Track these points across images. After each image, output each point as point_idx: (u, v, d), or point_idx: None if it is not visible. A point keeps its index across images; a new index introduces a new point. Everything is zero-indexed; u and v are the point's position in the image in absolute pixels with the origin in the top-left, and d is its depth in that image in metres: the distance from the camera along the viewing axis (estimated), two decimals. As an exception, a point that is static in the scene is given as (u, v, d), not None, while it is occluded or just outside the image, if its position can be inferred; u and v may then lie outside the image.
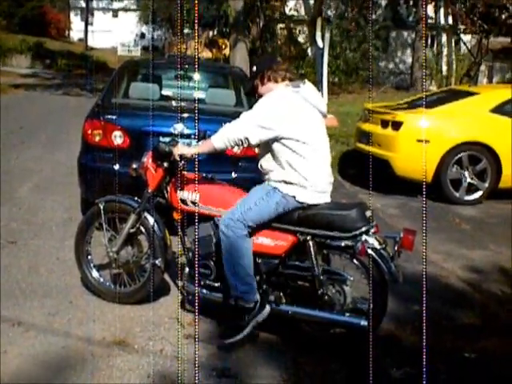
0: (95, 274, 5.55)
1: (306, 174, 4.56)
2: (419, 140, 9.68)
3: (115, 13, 66.55)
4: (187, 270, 5.05)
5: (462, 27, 28.16)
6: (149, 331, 4.94)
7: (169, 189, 5.13)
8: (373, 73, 31.82)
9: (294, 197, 4.59)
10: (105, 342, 4.72)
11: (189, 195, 4.96)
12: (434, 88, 21.95)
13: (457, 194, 9.88)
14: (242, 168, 6.93)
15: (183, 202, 4.98)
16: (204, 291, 4.96)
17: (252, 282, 4.70)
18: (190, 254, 5.02)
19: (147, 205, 5.22)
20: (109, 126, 7.12)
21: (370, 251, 4.54)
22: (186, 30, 29.32)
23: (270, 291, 4.83)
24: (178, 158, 4.84)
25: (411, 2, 31.34)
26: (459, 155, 9.87)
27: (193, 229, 4.89)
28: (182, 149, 4.84)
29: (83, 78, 34.34)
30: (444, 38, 30.80)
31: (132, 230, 5.28)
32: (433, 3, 28.19)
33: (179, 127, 5.57)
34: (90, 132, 7.21)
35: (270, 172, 4.69)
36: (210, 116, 7.11)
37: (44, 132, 15.46)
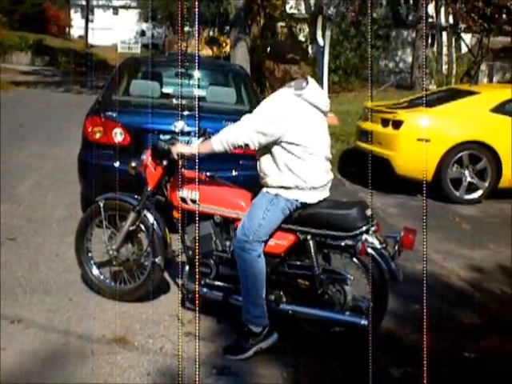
0: (95, 271, 5.55)
1: (304, 175, 4.53)
2: (419, 139, 9.68)
3: (115, 10, 66.54)
4: (187, 268, 5.05)
5: (462, 26, 28.13)
6: (149, 329, 4.94)
7: (168, 187, 5.12)
8: (373, 72, 31.82)
9: (297, 199, 4.58)
10: (105, 339, 4.72)
11: (188, 194, 4.95)
12: (434, 87, 21.91)
13: (457, 193, 9.88)
14: (243, 166, 6.93)
15: (183, 200, 4.97)
16: (204, 290, 4.95)
17: (264, 305, 4.67)
18: (190, 253, 5.01)
19: (147, 203, 5.21)
20: (109, 123, 7.11)
21: (370, 250, 4.53)
22: (186, 28, 29.33)
23: (270, 290, 4.81)
24: (177, 157, 4.82)
25: (411, 1, 31.34)
26: (459, 154, 9.86)
27: (192, 227, 4.88)
28: (180, 148, 4.80)
29: (83, 76, 34.36)
30: (444, 37, 30.78)
31: (132, 228, 5.28)
32: (433, 2, 28.16)
33: (180, 125, 5.57)
34: (90, 129, 7.20)
35: (267, 176, 4.64)
36: (210, 114, 7.12)
37: (44, 129, 15.47)
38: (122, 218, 5.36)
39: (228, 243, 4.86)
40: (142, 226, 5.29)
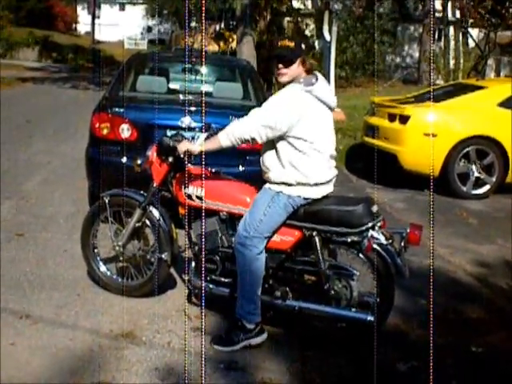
0: (102, 267, 5.56)
1: (306, 172, 4.53)
2: (427, 134, 9.66)
3: (122, 6, 66.50)
4: (193, 264, 5.07)
5: (469, 21, 28.04)
6: (156, 324, 4.96)
7: (174, 183, 5.13)
8: (380, 67, 31.76)
9: (300, 195, 4.59)
10: (112, 334, 4.74)
11: (194, 190, 4.95)
12: (441, 82, 21.86)
13: (464, 188, 9.86)
14: (250, 162, 6.93)
15: (188, 196, 4.98)
16: (210, 286, 4.96)
17: (258, 302, 4.71)
18: (196, 249, 5.03)
19: (153, 199, 5.23)
20: (116, 119, 7.13)
21: (376, 246, 4.54)
22: (192, 24, 29.29)
23: (276, 286, 4.83)
24: (183, 155, 4.81)
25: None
26: (467, 149, 9.85)
27: (198, 223, 4.91)
28: (187, 146, 4.78)
29: (90, 72, 34.39)
30: (451, 32, 30.69)
31: (138, 224, 5.29)
32: (440, -3, 28.15)
33: (187, 120, 5.57)
34: (97, 125, 7.22)
35: (270, 171, 4.64)
36: (217, 109, 7.13)
37: (51, 125, 15.49)
38: (128, 214, 5.37)
39: (233, 239, 4.87)
40: (148, 222, 5.30)
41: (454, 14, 31.24)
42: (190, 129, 5.75)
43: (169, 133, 6.38)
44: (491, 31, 25.08)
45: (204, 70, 8.63)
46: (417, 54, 33.34)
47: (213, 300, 4.97)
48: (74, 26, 62.02)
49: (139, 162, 5.30)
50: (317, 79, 4.64)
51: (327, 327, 4.89)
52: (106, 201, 5.39)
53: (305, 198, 4.60)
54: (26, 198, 8.45)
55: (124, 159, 6.90)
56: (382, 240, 4.55)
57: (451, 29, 30.86)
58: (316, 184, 4.58)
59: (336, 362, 4.51)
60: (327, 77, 17.48)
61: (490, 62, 26.64)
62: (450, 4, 29.89)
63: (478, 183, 9.93)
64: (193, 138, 5.17)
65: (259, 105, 4.75)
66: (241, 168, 7.04)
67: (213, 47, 35.27)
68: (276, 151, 4.60)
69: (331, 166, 4.73)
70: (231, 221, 4.91)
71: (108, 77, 25.12)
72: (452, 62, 26.26)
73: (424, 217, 7.64)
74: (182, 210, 5.06)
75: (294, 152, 4.53)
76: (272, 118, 4.46)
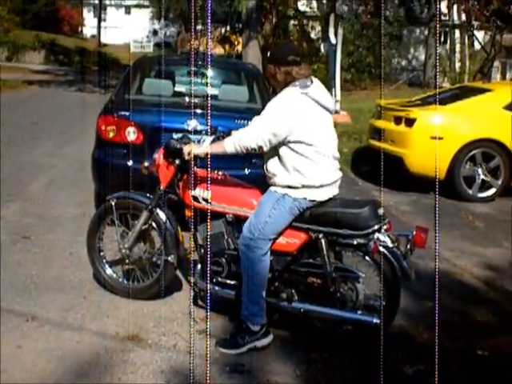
0: (108, 269, 5.57)
1: (311, 175, 4.55)
2: (433, 137, 9.65)
3: (128, 9, 66.66)
4: (199, 266, 5.07)
5: (475, 24, 28.03)
6: (162, 326, 4.96)
7: (180, 186, 5.14)
8: (385, 70, 31.77)
9: (305, 198, 4.59)
10: (118, 337, 4.74)
11: (201, 192, 4.96)
12: (447, 85, 21.88)
13: (470, 191, 9.85)
14: (255, 164, 6.93)
15: (195, 199, 4.99)
16: (216, 288, 4.97)
17: (263, 304, 4.71)
18: (202, 251, 5.03)
19: (159, 202, 5.23)
20: (122, 122, 7.14)
21: (382, 249, 4.54)
22: (198, 27, 29.34)
23: (282, 288, 4.84)
24: (188, 157, 4.82)
25: (424, -1, 31.28)
26: (472, 152, 9.84)
27: (204, 226, 4.90)
28: (192, 148, 4.79)
29: (96, 75, 34.46)
30: (457, 35, 30.68)
31: (144, 227, 5.30)
32: (446, 0, 28.10)
33: (193, 124, 5.57)
34: (103, 128, 7.24)
35: (275, 176, 4.66)
36: (223, 112, 7.13)
37: (57, 128, 15.53)
38: (134, 216, 5.38)
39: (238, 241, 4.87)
40: (155, 225, 5.31)
41: (459, 17, 31.22)
42: (196, 132, 5.76)
43: (175, 136, 6.40)
44: (497, 34, 25.04)
45: (210, 73, 8.64)
46: (423, 57, 33.36)
47: (219, 302, 4.96)
48: (79, 29, 62.20)
49: (146, 164, 5.32)
50: (312, 82, 4.68)
51: (333, 329, 4.88)
52: (113, 203, 5.40)
53: (310, 201, 4.60)
54: (31, 201, 8.47)
55: (130, 162, 6.91)
56: (388, 243, 4.55)
57: (457, 32, 30.87)
58: (321, 185, 4.58)
59: (341, 365, 4.51)
60: (333, 79, 17.48)
61: (496, 64, 26.58)
62: (455, 7, 29.88)
63: (484, 186, 9.91)
64: (199, 141, 5.18)
65: (265, 108, 4.76)
66: (247, 171, 7.04)
67: (218, 50, 35.35)
68: (279, 158, 4.62)
69: (336, 167, 4.74)
70: (237, 223, 4.91)
71: (114, 80, 25.19)
72: (458, 64, 26.28)
73: (429, 219, 7.62)
74: (188, 212, 5.07)
75: (297, 157, 4.55)
76: (273, 124, 4.49)
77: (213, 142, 4.93)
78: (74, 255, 6.37)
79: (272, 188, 4.71)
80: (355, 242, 4.64)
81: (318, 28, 30.87)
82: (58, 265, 6.17)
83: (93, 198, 8.14)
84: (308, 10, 33.19)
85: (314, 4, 32.60)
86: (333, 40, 18.23)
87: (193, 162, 4.89)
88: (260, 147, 4.55)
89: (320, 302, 4.75)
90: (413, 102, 11.42)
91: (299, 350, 4.70)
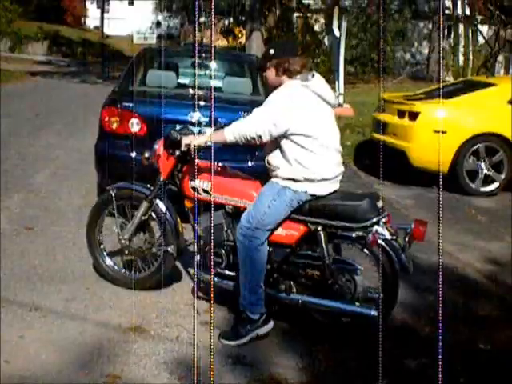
0: (108, 260, 5.59)
1: (313, 168, 4.56)
2: (436, 131, 9.63)
3: (131, 1, 66.46)
4: (198, 257, 5.09)
5: (479, 18, 27.98)
6: (165, 318, 4.97)
7: (180, 177, 5.15)
8: (389, 63, 31.71)
9: (306, 191, 4.61)
10: (121, 328, 4.75)
11: (201, 183, 4.98)
12: (450, 79, 21.85)
13: (473, 186, 9.84)
14: (259, 157, 6.93)
15: (195, 190, 5.00)
16: (215, 279, 4.98)
17: (261, 293, 4.73)
18: (201, 242, 5.05)
19: (159, 192, 5.25)
20: (126, 114, 7.14)
21: (380, 242, 4.55)
22: (201, 19, 29.30)
23: (281, 280, 4.86)
24: (185, 148, 4.83)
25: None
26: (476, 146, 9.82)
27: (204, 217, 4.94)
28: (191, 139, 4.82)
29: (99, 66, 34.45)
30: (461, 29, 30.61)
31: (144, 218, 5.31)
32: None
33: (196, 115, 5.59)
34: (107, 119, 7.24)
35: (277, 169, 4.67)
36: (226, 104, 7.13)
37: (60, 119, 15.52)
38: (134, 207, 5.39)
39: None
40: (154, 215, 5.32)
41: (463, 11, 31.14)
42: (199, 124, 5.77)
43: (178, 127, 6.41)
44: (501, 28, 24.99)
45: (213, 65, 8.63)
46: (426, 51, 33.29)
47: (221, 294, 4.97)
48: (83, 20, 62.07)
49: (147, 155, 5.33)
50: (313, 76, 4.71)
51: (334, 322, 4.89)
52: (113, 194, 5.41)
53: (311, 195, 4.62)
54: (35, 192, 8.48)
55: (133, 153, 6.92)
56: (387, 235, 4.57)
57: (461, 26, 30.78)
58: (323, 179, 4.60)
59: (344, 357, 4.51)
60: (336, 73, 17.45)
61: (500, 59, 26.55)
62: (459, 1, 29.82)
63: (487, 180, 9.91)
64: (200, 132, 5.18)
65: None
66: (250, 163, 7.04)
67: (222, 42, 35.30)
68: (281, 151, 4.63)
69: (338, 161, 4.75)
70: (237, 214, 4.91)
71: (117, 71, 25.19)
72: (461, 58, 26.23)
73: (432, 213, 7.65)
74: (188, 203, 5.10)
75: (298, 149, 4.56)
76: (274, 115, 4.51)
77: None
78: (77, 246, 6.37)
79: (273, 179, 4.72)
80: (354, 235, 4.66)
81: (322, 21, 30.77)
82: (61, 256, 6.18)
83: (96, 190, 8.14)
84: (312, 2, 33.11)
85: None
86: (336, 33, 18.18)
87: (193, 153, 4.88)
88: (260, 137, 4.55)
89: (318, 294, 4.78)
90: (416, 96, 11.40)
91: (302, 343, 4.71)
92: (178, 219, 5.31)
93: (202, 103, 6.91)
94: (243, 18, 29.66)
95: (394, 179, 9.93)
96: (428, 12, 33.50)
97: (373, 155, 11.48)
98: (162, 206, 5.26)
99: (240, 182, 5.05)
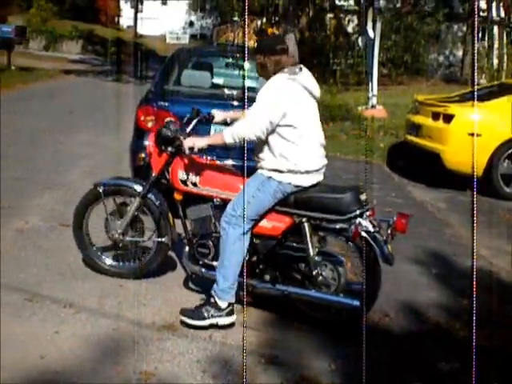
0: (99, 254, 5.71)
1: (297, 160, 4.68)
2: (470, 133, 9.55)
3: (164, 0, 66.81)
4: (187, 249, 5.20)
5: (514, 20, 27.67)
6: (198, 317, 4.97)
7: (170, 170, 5.23)
8: (422, 65, 31.52)
9: (290, 183, 4.71)
10: (155, 325, 4.78)
11: (190, 176, 5.09)
12: (484, 82, 21.63)
13: (507, 189, 9.75)
14: None
15: (183, 182, 5.12)
16: (203, 270, 5.10)
17: (235, 283, 4.81)
18: (190, 234, 5.17)
19: (152, 187, 5.34)
20: (161, 113, 7.18)
21: (363, 234, 4.63)
22: (234, 19, 29.34)
23: (266, 271, 4.97)
24: (188, 152, 4.89)
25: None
26: (511, 150, 9.73)
27: (192, 210, 5.12)
28: (193, 141, 4.89)
29: (132, 65, 34.63)
30: (496, 31, 30.31)
31: (137, 212, 5.44)
32: (485, -4, 27.82)
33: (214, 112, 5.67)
34: (142, 118, 7.30)
35: (262, 161, 4.80)
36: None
37: (93, 117, 15.63)
38: (123, 203, 5.52)
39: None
40: (147, 210, 5.44)
41: (498, 14, 30.85)
42: (218, 123, 5.82)
43: (212, 128, 6.47)
44: (536, 30, 24.74)
45: (247, 65, 8.65)
46: (460, 53, 33.04)
47: (256, 295, 4.99)
48: (116, 19, 62.48)
49: (143, 155, 5.43)
50: (301, 69, 4.84)
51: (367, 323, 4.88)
52: (100, 190, 5.49)
53: (295, 186, 4.73)
54: (68, 190, 8.53)
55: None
56: (370, 227, 4.67)
57: (495, 28, 30.50)
58: (307, 172, 4.72)
59: (376, 360, 4.49)
60: (370, 74, 17.39)
61: (535, 62, 26.24)
62: (494, 3, 29.55)
63: (522, 184, 9.81)
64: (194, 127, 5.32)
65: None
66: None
67: (254, 43, 35.30)
68: (268, 145, 4.75)
69: (321, 154, 4.89)
70: (224, 207, 4.97)
71: (150, 71, 25.31)
72: (496, 61, 25.98)
73: (466, 217, 7.59)
74: (177, 195, 5.21)
75: (283, 142, 4.69)
76: (269, 112, 4.62)
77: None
78: (111, 243, 6.41)
79: (259, 171, 4.85)
80: (337, 227, 4.78)
81: (356, 22, 30.66)
82: (95, 253, 6.21)
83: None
84: (345, 3, 32.99)
85: (352, -2, 32.41)
86: (371, 34, 18.12)
87: (188, 152, 4.92)
88: (258, 137, 4.67)
89: (303, 285, 4.90)
90: (451, 98, 11.33)
91: (335, 345, 4.70)
92: (169, 213, 5.41)
93: (235, 103, 6.94)
94: (276, 19, 29.66)
95: (428, 182, 9.87)
96: (463, 14, 33.22)
97: (406, 157, 11.45)
98: (155, 199, 5.38)
99: (228, 175, 5.15)
